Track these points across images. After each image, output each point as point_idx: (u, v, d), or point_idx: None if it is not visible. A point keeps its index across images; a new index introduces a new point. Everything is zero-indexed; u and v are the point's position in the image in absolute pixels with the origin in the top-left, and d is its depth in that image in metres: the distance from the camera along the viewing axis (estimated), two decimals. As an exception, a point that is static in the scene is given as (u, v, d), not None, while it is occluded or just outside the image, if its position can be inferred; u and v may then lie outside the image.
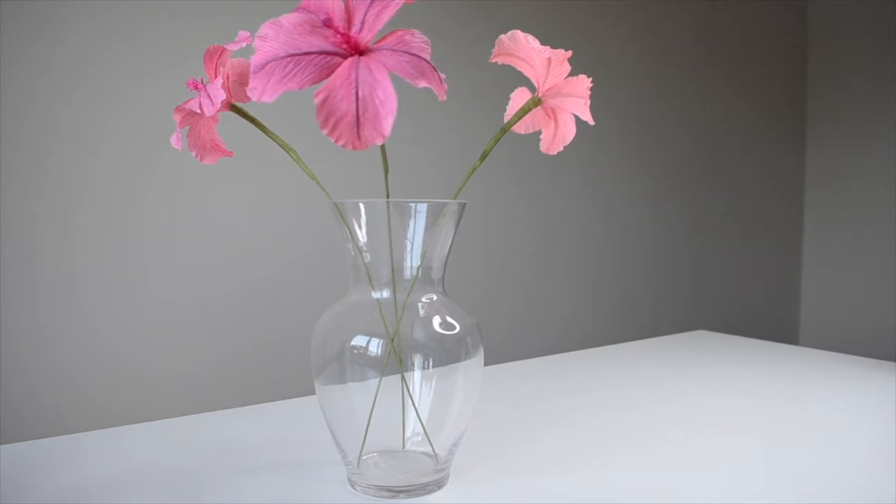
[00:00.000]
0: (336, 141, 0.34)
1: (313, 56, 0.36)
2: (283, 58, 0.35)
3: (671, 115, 1.72)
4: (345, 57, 0.36)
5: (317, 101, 0.34)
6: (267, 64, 0.35)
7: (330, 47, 0.36)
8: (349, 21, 0.37)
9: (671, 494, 0.46)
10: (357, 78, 0.34)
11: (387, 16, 0.37)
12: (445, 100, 0.36)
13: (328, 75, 0.35)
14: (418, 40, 0.36)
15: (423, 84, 0.35)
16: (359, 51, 0.36)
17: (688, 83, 1.75)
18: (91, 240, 0.99)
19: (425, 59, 0.35)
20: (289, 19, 0.36)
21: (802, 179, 2.07)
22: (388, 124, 0.34)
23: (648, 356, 0.90)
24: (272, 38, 0.36)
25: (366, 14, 0.37)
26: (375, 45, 0.36)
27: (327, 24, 0.36)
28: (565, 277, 1.52)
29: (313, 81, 0.36)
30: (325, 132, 0.34)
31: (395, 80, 0.36)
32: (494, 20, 1.35)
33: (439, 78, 0.36)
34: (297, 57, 0.36)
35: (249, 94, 0.35)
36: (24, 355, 0.95)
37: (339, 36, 0.36)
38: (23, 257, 0.94)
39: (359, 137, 0.34)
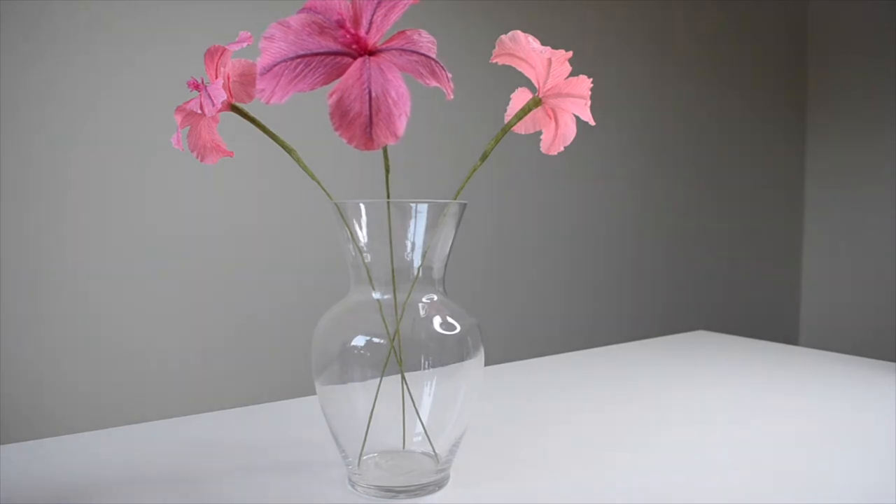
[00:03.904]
0: (348, 141, 0.34)
1: (323, 57, 0.36)
2: (292, 59, 0.35)
3: (671, 116, 1.72)
4: (354, 57, 0.36)
5: (330, 101, 0.34)
6: (275, 65, 0.35)
7: (339, 48, 0.36)
8: (356, 21, 0.37)
9: (671, 494, 0.46)
10: (369, 78, 0.34)
11: (395, 16, 0.36)
12: (452, 98, 0.36)
13: (338, 76, 0.35)
14: (426, 40, 0.36)
15: (433, 84, 0.35)
16: (368, 51, 0.36)
17: (688, 83, 1.75)
18: (92, 241, 0.99)
19: (434, 59, 0.35)
20: (296, 20, 0.36)
21: (802, 179, 2.07)
22: (401, 124, 0.34)
23: (648, 356, 0.90)
24: (280, 38, 0.36)
25: (373, 14, 0.37)
26: (384, 46, 0.36)
27: (340, 24, 0.36)
28: (565, 278, 1.52)
29: (324, 82, 0.35)
30: (337, 133, 0.34)
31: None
32: (495, 20, 1.35)
33: (448, 77, 0.36)
34: (306, 58, 0.35)
35: (258, 95, 0.35)
36: (24, 355, 0.95)
37: (349, 36, 0.36)
38: (23, 258, 0.94)
39: (371, 138, 0.34)
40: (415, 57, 0.35)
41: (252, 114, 0.45)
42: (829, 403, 0.68)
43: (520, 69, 0.46)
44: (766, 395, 0.71)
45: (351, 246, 0.45)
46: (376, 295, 0.45)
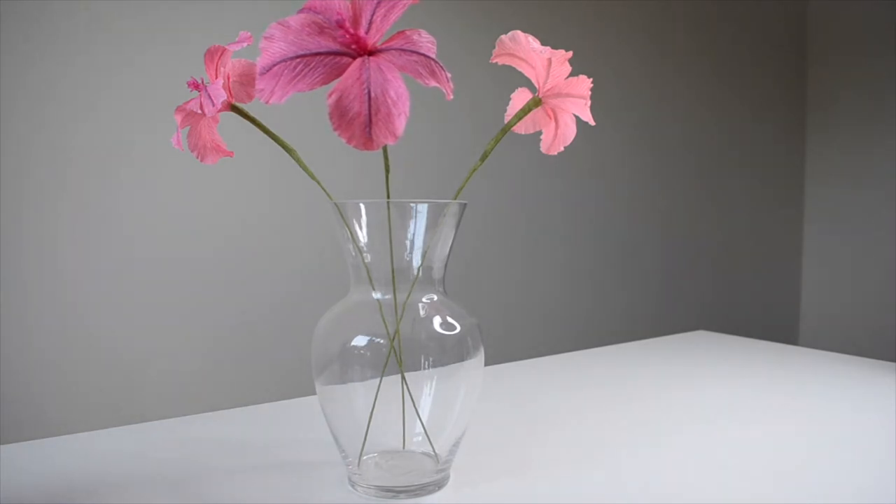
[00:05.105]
0: (348, 141, 0.34)
1: (322, 56, 0.36)
2: (291, 58, 0.35)
3: (671, 116, 1.72)
4: (353, 57, 0.36)
5: (330, 101, 0.34)
6: (275, 65, 0.35)
7: (339, 48, 0.36)
8: (356, 21, 0.37)
9: (671, 494, 0.46)
10: (368, 78, 0.34)
11: (394, 16, 0.37)
12: (452, 99, 0.36)
13: (338, 76, 0.35)
14: (425, 40, 0.36)
15: (432, 84, 0.35)
16: (367, 51, 0.36)
17: (688, 83, 1.75)
18: (92, 241, 0.99)
19: (434, 59, 0.35)
20: (296, 20, 0.36)
21: (802, 179, 2.07)
22: (400, 124, 0.34)
23: (649, 356, 0.90)
24: (279, 38, 0.36)
25: (373, 14, 0.37)
26: (383, 46, 0.36)
27: (339, 24, 0.36)
28: (565, 278, 1.52)
29: (323, 82, 0.36)
30: (336, 133, 0.34)
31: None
32: (495, 20, 1.35)
33: (447, 77, 0.36)
34: (306, 58, 0.36)
35: (258, 95, 0.35)
36: (24, 355, 0.95)
37: (348, 36, 0.36)
38: (23, 258, 0.94)
39: (370, 138, 0.34)
40: (414, 57, 0.35)
41: (252, 114, 0.45)
42: (829, 403, 0.68)
43: (520, 69, 0.46)
44: (766, 395, 0.71)
45: (351, 246, 0.45)
46: (376, 295, 0.45)
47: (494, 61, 0.45)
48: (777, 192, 2.00)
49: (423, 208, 0.43)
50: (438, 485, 0.46)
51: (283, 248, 1.15)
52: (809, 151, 2.05)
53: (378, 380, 0.43)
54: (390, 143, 0.34)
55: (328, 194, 0.46)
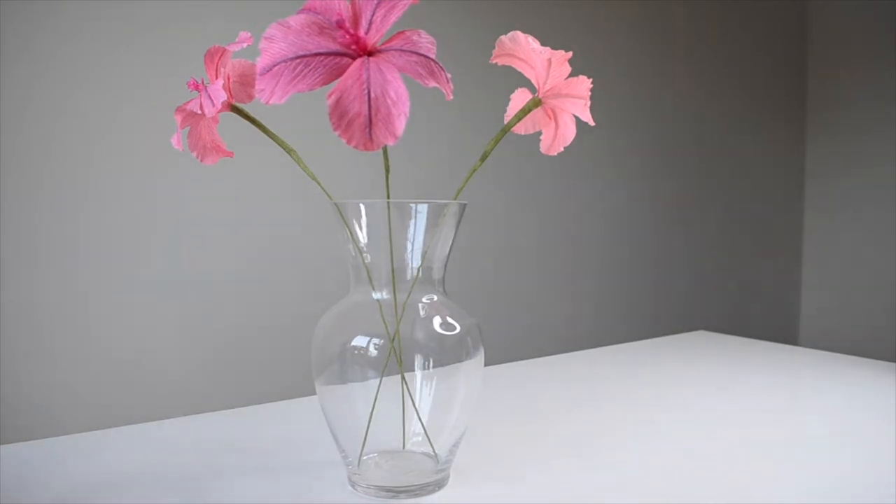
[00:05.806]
0: (348, 142, 0.34)
1: (322, 57, 0.36)
2: (291, 59, 0.35)
3: (671, 115, 1.72)
4: (353, 58, 0.36)
5: (330, 101, 0.34)
6: (275, 65, 0.35)
7: (339, 48, 0.36)
8: (356, 22, 0.37)
9: (671, 495, 0.46)
10: (368, 78, 0.34)
11: (394, 17, 0.37)
12: (451, 99, 0.36)
13: (338, 76, 0.35)
14: (425, 40, 0.36)
15: (432, 84, 0.35)
16: (367, 51, 0.36)
17: (688, 82, 1.75)
18: (91, 241, 0.99)
19: (434, 60, 0.35)
20: (296, 20, 0.36)
21: (802, 179, 2.07)
22: (400, 125, 0.34)
23: (648, 357, 0.90)
24: (279, 38, 0.36)
25: (373, 15, 0.37)
26: (383, 46, 0.36)
27: (339, 24, 0.36)
28: (565, 278, 1.52)
29: (323, 83, 0.36)
30: (337, 133, 0.34)
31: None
32: (494, 20, 1.35)
33: (447, 78, 0.36)
34: (306, 58, 0.36)
35: (258, 95, 0.35)
36: (24, 356, 0.95)
37: (348, 36, 0.36)
38: (24, 258, 0.94)
39: (370, 138, 0.34)
40: (414, 57, 0.35)
41: (252, 114, 0.45)
42: (829, 403, 0.68)
43: (520, 69, 0.46)
44: (766, 395, 0.71)
45: (351, 246, 0.45)
46: (376, 295, 0.45)
47: (494, 62, 0.45)
48: (777, 191, 2.00)
49: (423, 208, 0.43)
50: (438, 485, 0.46)
51: (283, 248, 1.15)
52: (809, 151, 2.05)
53: (378, 380, 0.43)
54: (390, 143, 0.34)
55: (328, 194, 0.46)
